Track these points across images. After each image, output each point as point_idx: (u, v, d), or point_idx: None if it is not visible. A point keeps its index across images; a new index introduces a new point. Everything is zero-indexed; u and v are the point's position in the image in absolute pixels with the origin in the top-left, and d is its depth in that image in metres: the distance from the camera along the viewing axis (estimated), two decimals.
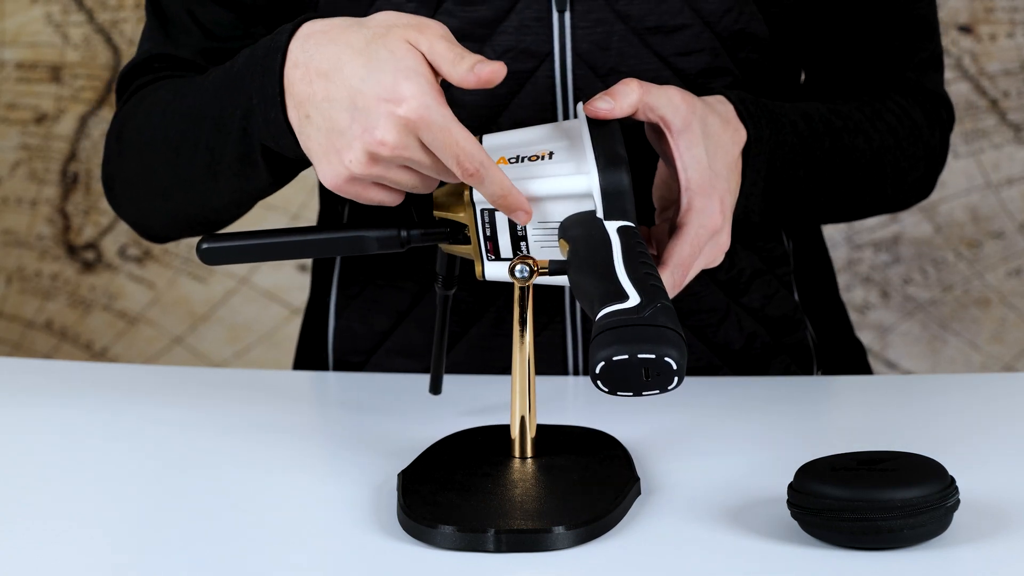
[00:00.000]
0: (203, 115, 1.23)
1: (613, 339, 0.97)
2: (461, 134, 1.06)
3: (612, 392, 0.97)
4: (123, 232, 2.66)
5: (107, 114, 2.63)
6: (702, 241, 1.14)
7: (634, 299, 0.99)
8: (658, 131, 1.17)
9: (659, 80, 1.33)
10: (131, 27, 2.62)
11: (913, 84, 1.43)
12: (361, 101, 1.07)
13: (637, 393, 0.97)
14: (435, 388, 1.24)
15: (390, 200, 1.12)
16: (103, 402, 1.30)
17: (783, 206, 1.32)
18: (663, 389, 0.97)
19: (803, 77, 1.48)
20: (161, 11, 1.39)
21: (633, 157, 1.11)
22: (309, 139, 1.12)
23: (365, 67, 1.08)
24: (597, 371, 0.97)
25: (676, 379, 0.97)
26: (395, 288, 1.41)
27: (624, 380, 0.97)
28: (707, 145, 1.16)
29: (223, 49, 1.37)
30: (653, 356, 0.96)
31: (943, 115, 1.45)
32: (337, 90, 1.09)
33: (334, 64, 1.09)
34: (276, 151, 1.19)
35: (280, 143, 1.16)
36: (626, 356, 0.96)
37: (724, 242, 1.16)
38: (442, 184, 1.13)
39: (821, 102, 1.37)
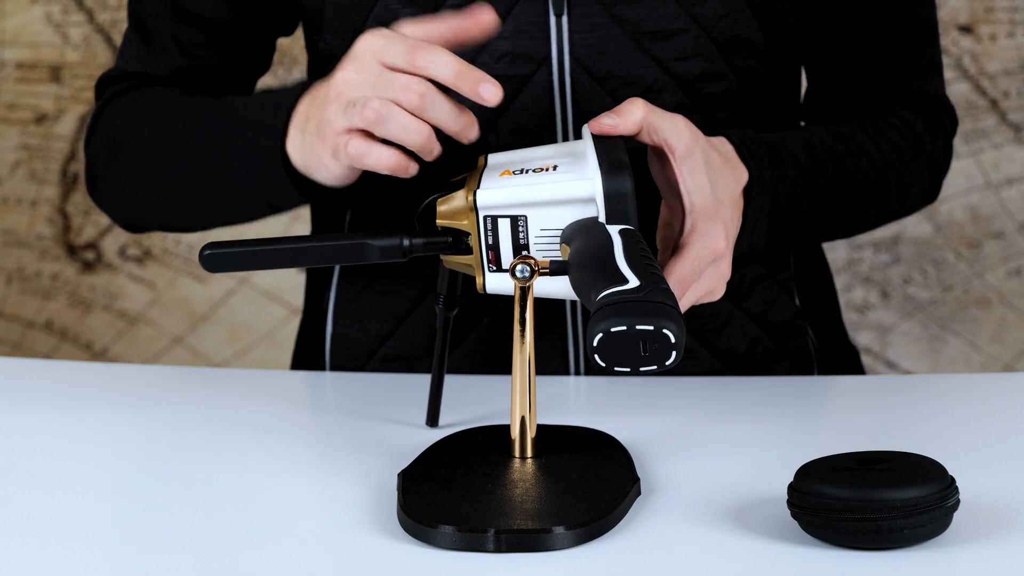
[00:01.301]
0: (199, 146, 1.32)
1: (611, 312, 0.97)
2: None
3: (609, 367, 0.97)
4: (123, 232, 2.66)
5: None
6: (703, 262, 1.14)
7: (634, 282, 1.00)
8: (661, 157, 1.17)
9: (656, 85, 1.33)
10: None
11: (916, 92, 1.43)
12: (334, 89, 1.16)
13: (635, 369, 0.97)
14: (432, 420, 1.23)
15: (394, 162, 1.15)
16: (103, 402, 1.30)
17: (789, 236, 1.33)
18: (661, 364, 0.97)
19: (803, 87, 1.47)
20: (145, 31, 1.43)
21: (640, 202, 1.11)
22: (307, 151, 1.21)
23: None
24: (595, 343, 0.97)
25: (674, 353, 0.97)
26: (393, 294, 1.41)
27: (622, 353, 0.97)
28: (710, 175, 1.17)
29: (198, 67, 1.42)
30: (651, 327, 0.96)
31: (944, 120, 1.45)
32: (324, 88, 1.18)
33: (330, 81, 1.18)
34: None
35: (289, 197, 1.27)
36: (624, 328, 0.96)
37: (725, 270, 1.16)
38: (444, 193, 1.13)
39: (823, 125, 1.37)
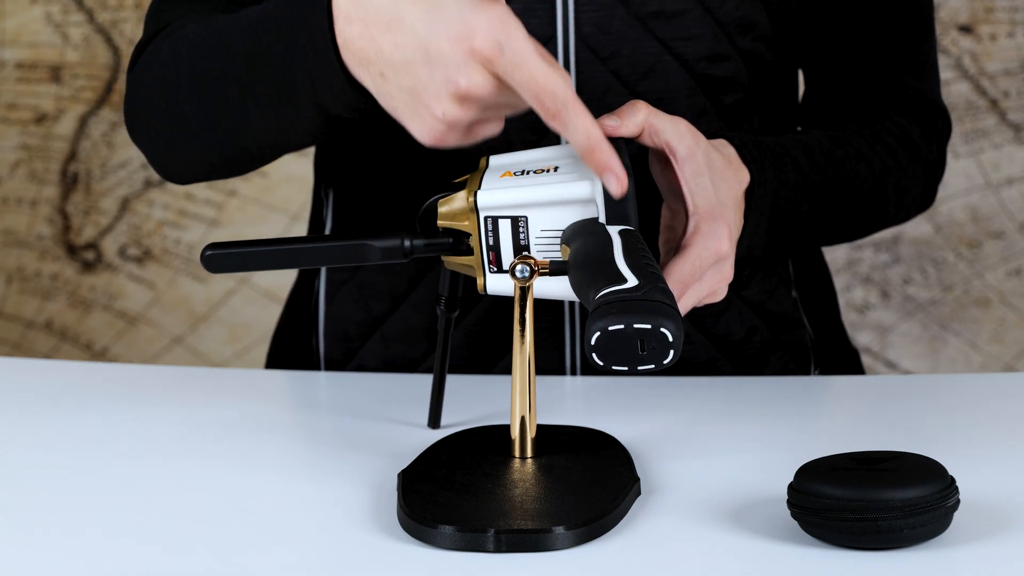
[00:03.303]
0: (235, 50, 1.17)
1: (609, 311, 0.97)
2: (539, 68, 1.00)
3: (607, 366, 0.97)
4: (123, 232, 2.66)
5: (107, 114, 2.64)
6: (705, 263, 1.14)
7: (632, 282, 1.00)
8: (662, 160, 1.17)
9: (660, 65, 1.34)
10: (131, 27, 2.62)
11: (912, 93, 1.43)
12: (434, 49, 1.03)
13: (632, 368, 0.97)
14: (434, 422, 1.23)
15: (498, 128, 1.07)
16: (103, 402, 1.30)
17: (787, 240, 1.33)
18: (658, 363, 0.97)
19: (800, 91, 1.48)
20: None
21: (641, 209, 1.11)
22: (391, 98, 1.06)
23: (428, 12, 1.03)
24: (592, 342, 0.97)
25: (672, 352, 0.97)
26: (390, 272, 1.41)
27: (619, 352, 0.97)
28: (712, 177, 1.17)
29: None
30: (649, 326, 0.96)
31: (939, 126, 1.45)
32: (406, 41, 1.04)
33: (393, 14, 1.05)
34: (333, 110, 1.13)
35: (343, 101, 1.11)
36: (622, 326, 0.96)
37: (728, 272, 1.16)
38: (445, 194, 1.12)
39: (821, 130, 1.37)
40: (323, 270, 1.44)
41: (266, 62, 1.15)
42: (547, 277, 1.10)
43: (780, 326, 1.43)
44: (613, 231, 1.06)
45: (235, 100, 1.18)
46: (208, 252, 1.13)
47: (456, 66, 1.02)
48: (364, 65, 1.08)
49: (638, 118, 1.15)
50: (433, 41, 1.03)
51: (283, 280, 2.65)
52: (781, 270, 1.43)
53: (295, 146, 1.23)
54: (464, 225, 1.12)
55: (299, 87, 1.13)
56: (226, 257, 1.13)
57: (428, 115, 1.05)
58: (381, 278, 1.41)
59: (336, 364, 1.44)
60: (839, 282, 2.56)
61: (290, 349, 1.50)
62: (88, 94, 2.63)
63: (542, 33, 1.33)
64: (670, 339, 0.96)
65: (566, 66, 1.34)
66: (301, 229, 2.61)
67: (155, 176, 2.64)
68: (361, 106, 1.12)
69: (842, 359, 1.50)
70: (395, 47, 1.05)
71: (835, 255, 2.56)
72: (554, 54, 1.33)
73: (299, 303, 1.51)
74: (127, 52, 2.61)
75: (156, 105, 1.26)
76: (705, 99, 1.36)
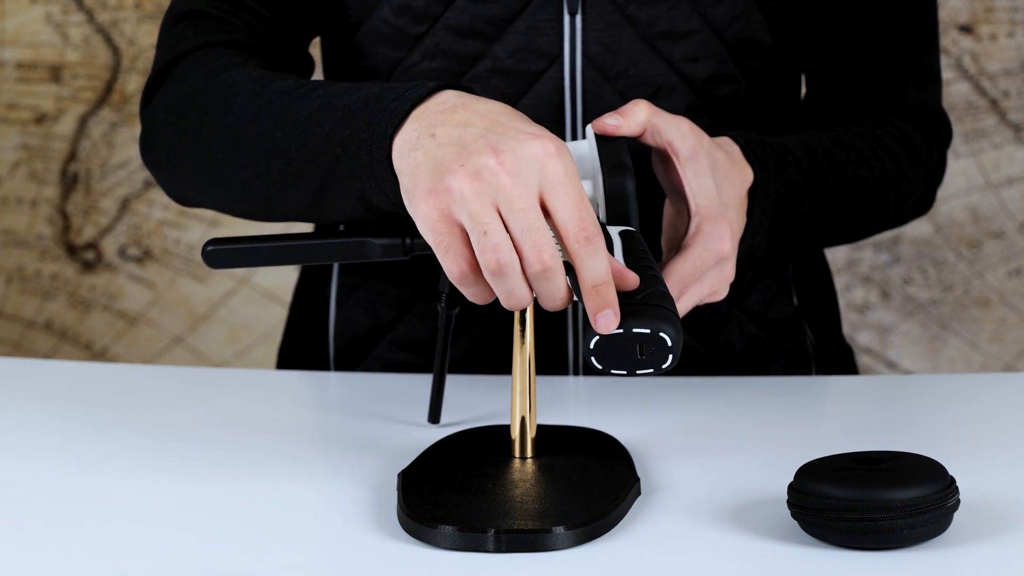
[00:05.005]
0: (294, 125, 1.15)
1: None
2: (583, 193, 0.99)
3: (606, 369, 0.97)
4: (123, 232, 2.66)
5: (107, 114, 2.63)
6: (706, 263, 1.14)
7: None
8: (665, 160, 1.17)
9: (667, 86, 1.34)
10: (131, 27, 2.62)
11: (913, 102, 1.43)
12: (501, 128, 1.01)
13: (631, 372, 0.97)
14: (434, 417, 1.23)
15: (480, 296, 1.02)
16: (103, 402, 1.30)
17: (787, 241, 1.33)
18: (657, 368, 0.97)
19: (803, 92, 1.48)
20: (200, 14, 1.33)
21: (643, 205, 1.11)
22: (415, 173, 1.03)
23: (491, 128, 1.02)
24: (591, 346, 0.97)
25: (671, 357, 0.97)
26: (398, 280, 1.41)
27: (618, 356, 0.97)
28: (715, 176, 1.17)
29: (255, 45, 1.33)
30: (648, 331, 0.96)
31: (940, 133, 1.45)
32: (478, 118, 1.03)
33: (480, 110, 1.04)
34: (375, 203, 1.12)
35: (390, 200, 1.09)
36: (620, 330, 0.96)
37: (729, 272, 1.16)
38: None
39: (823, 131, 1.37)
40: (334, 277, 1.45)
41: (320, 150, 1.13)
42: None
43: (781, 333, 1.43)
44: (614, 232, 1.06)
45: (276, 171, 1.16)
46: (209, 248, 1.13)
47: (513, 138, 1.00)
48: (408, 152, 1.05)
49: (640, 117, 1.15)
50: (502, 124, 1.02)
51: (283, 280, 2.65)
52: (782, 277, 1.43)
53: (324, 222, 1.20)
54: None
55: (348, 182, 1.11)
56: (227, 253, 1.13)
57: (440, 187, 1.01)
58: (390, 286, 1.42)
59: (345, 368, 1.44)
60: (839, 282, 2.56)
61: (300, 352, 1.51)
62: (88, 94, 2.63)
63: (549, 51, 1.33)
64: (669, 344, 0.96)
65: (572, 85, 1.34)
66: (300, 229, 2.61)
67: None
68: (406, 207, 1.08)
69: (837, 359, 1.50)
70: (467, 118, 1.03)
71: (835, 255, 2.56)
72: (560, 73, 1.34)
73: (305, 306, 1.51)
74: (127, 52, 2.61)
75: (185, 144, 1.24)
76: (709, 119, 1.36)
